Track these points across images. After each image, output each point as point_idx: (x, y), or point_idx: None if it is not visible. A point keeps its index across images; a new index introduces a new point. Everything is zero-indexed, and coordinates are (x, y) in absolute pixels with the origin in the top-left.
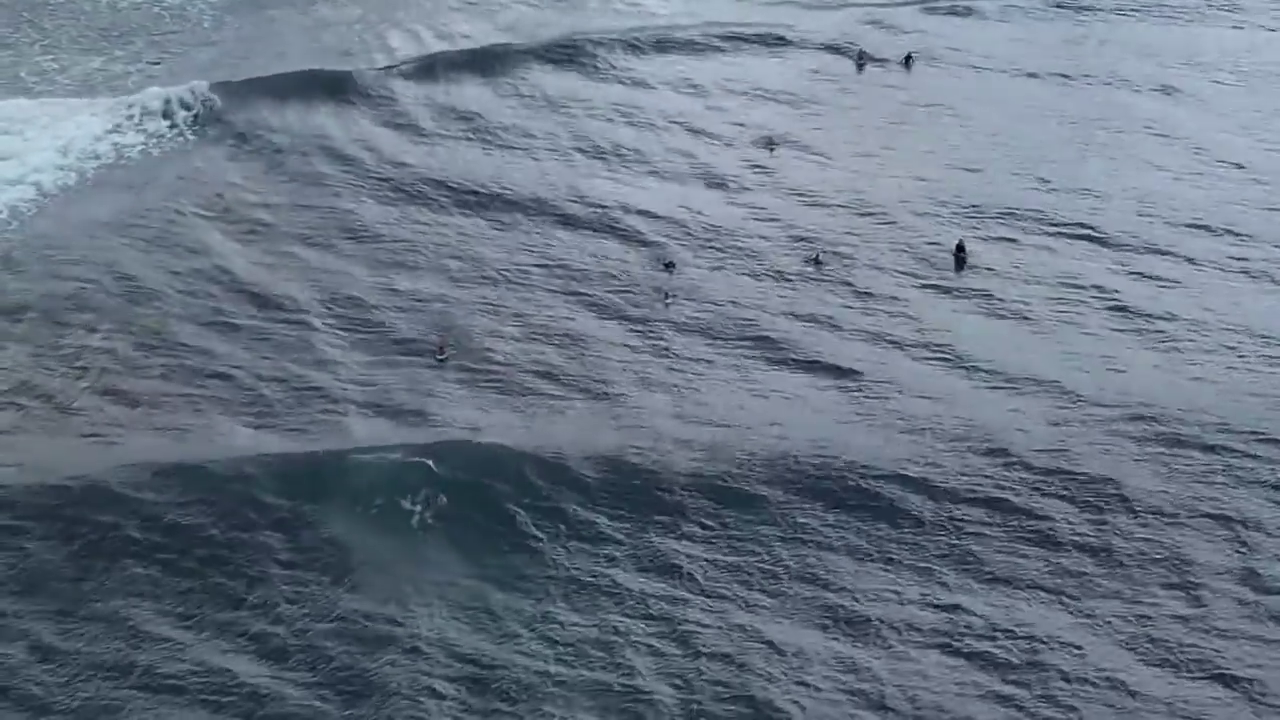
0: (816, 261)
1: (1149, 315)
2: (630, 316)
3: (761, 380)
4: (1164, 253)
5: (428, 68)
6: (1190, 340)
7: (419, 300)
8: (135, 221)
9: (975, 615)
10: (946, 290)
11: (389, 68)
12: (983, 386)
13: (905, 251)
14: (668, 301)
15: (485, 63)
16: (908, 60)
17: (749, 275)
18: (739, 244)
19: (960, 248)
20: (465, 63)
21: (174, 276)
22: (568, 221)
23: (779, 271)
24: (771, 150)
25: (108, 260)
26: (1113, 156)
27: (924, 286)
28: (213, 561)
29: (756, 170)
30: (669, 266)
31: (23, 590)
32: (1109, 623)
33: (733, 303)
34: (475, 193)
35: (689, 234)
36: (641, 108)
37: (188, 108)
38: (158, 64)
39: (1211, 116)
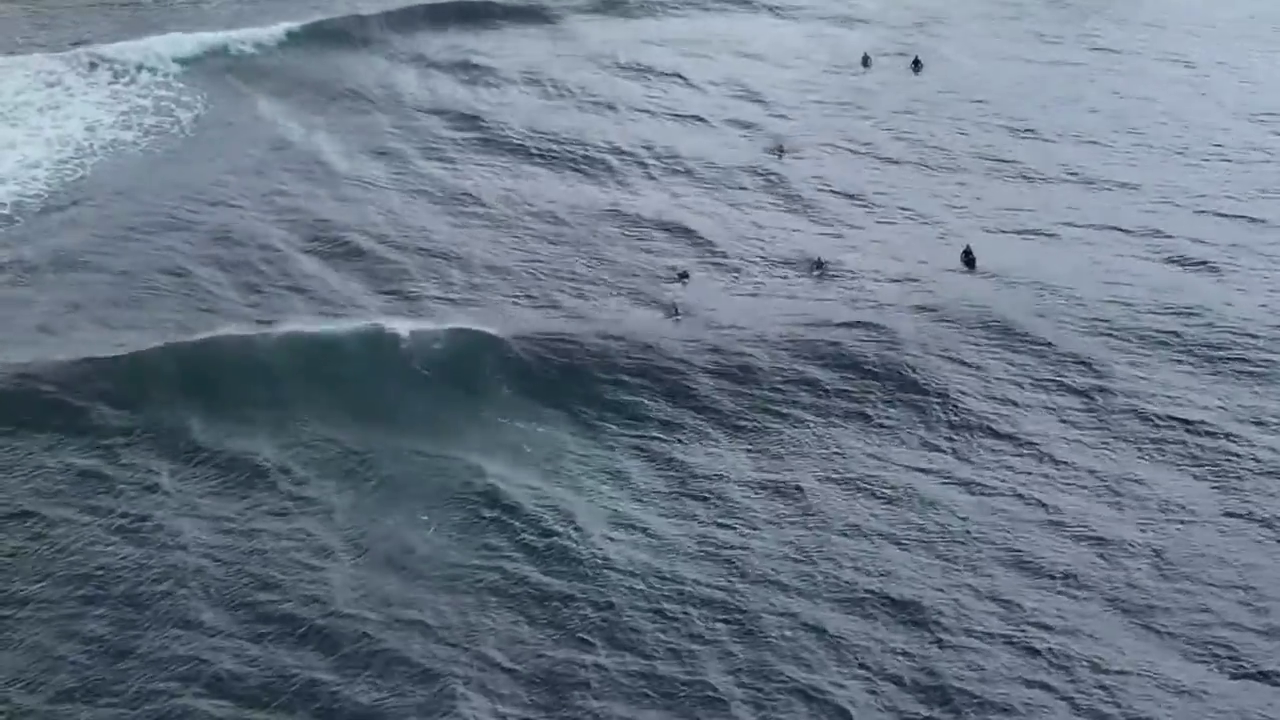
0: (819, 266)
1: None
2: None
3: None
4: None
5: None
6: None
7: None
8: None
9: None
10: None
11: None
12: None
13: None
14: (677, 318)
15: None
16: (916, 64)
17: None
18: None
19: (968, 252)
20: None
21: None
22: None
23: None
24: (780, 155)
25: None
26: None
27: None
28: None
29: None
30: (683, 277)
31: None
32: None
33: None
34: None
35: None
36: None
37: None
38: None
39: (1240, 93)
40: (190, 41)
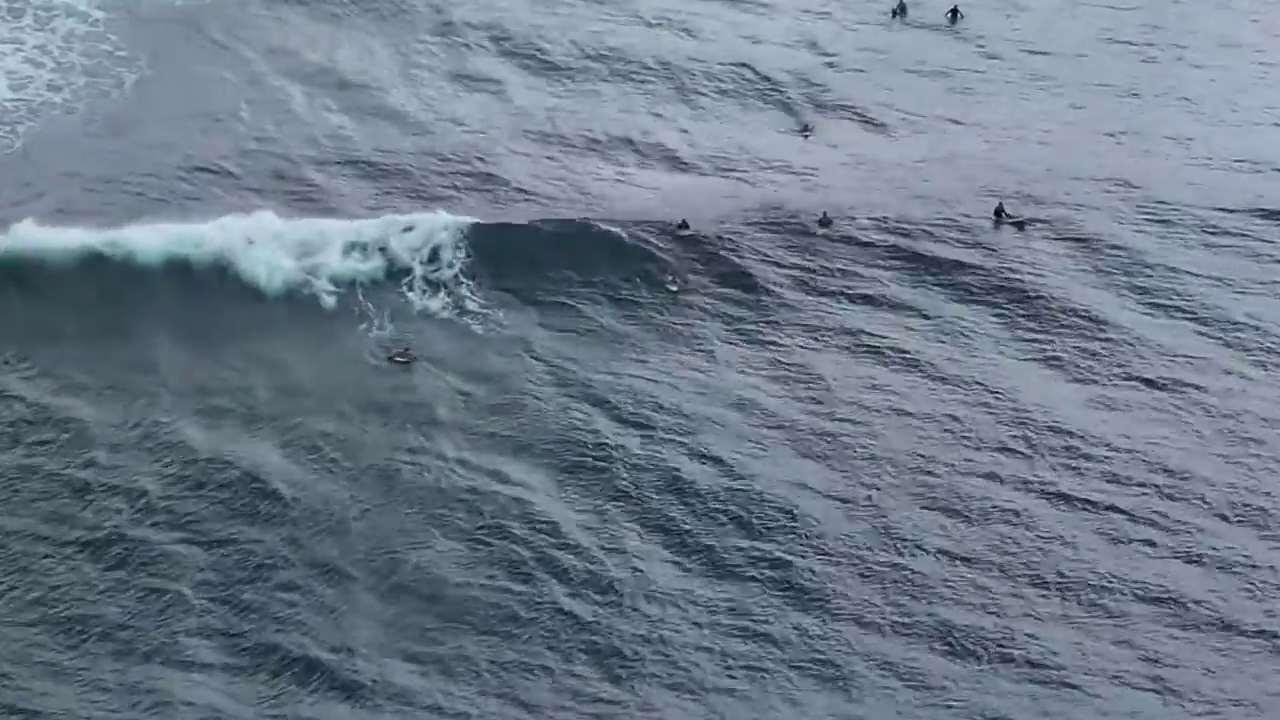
0: (826, 221)
1: None
2: None
3: None
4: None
5: None
6: None
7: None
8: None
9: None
10: None
11: None
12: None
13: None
14: (671, 282)
15: None
16: (954, 13)
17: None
18: None
19: (999, 210)
20: None
21: None
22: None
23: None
24: (806, 134)
25: None
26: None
27: None
28: None
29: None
30: (682, 226)
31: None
32: None
33: None
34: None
35: None
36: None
37: None
38: None
39: None
40: None
